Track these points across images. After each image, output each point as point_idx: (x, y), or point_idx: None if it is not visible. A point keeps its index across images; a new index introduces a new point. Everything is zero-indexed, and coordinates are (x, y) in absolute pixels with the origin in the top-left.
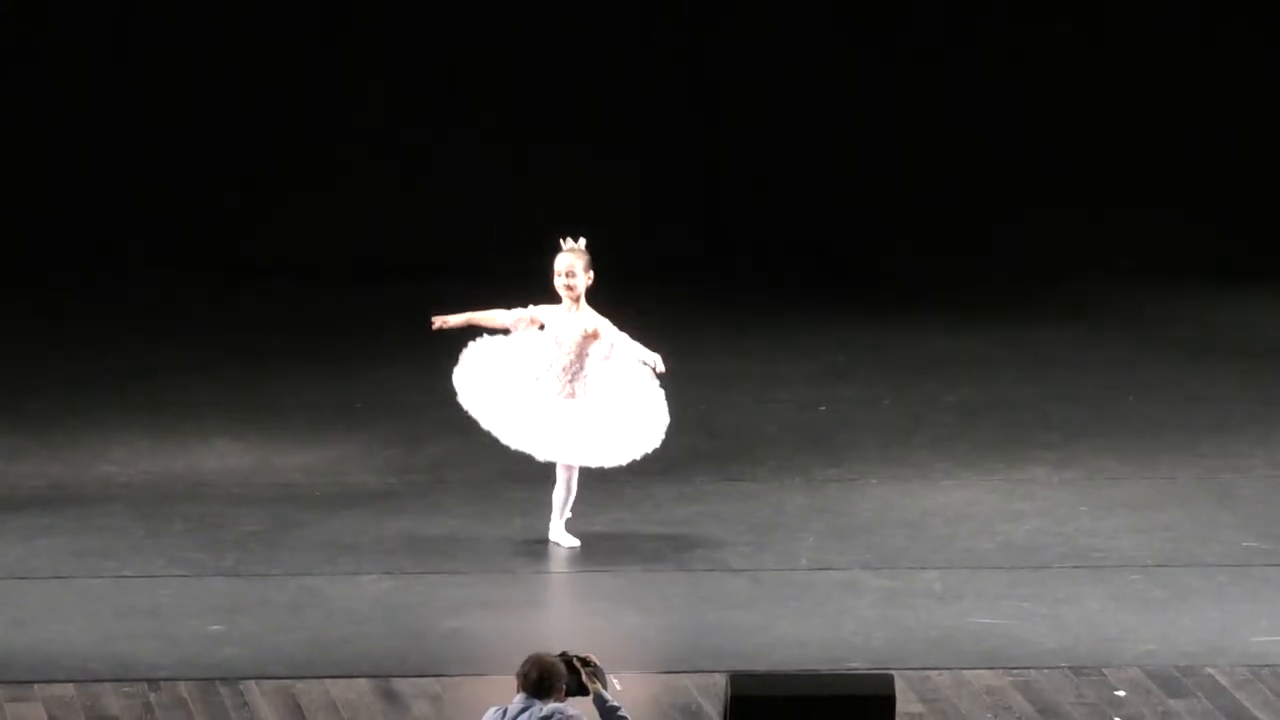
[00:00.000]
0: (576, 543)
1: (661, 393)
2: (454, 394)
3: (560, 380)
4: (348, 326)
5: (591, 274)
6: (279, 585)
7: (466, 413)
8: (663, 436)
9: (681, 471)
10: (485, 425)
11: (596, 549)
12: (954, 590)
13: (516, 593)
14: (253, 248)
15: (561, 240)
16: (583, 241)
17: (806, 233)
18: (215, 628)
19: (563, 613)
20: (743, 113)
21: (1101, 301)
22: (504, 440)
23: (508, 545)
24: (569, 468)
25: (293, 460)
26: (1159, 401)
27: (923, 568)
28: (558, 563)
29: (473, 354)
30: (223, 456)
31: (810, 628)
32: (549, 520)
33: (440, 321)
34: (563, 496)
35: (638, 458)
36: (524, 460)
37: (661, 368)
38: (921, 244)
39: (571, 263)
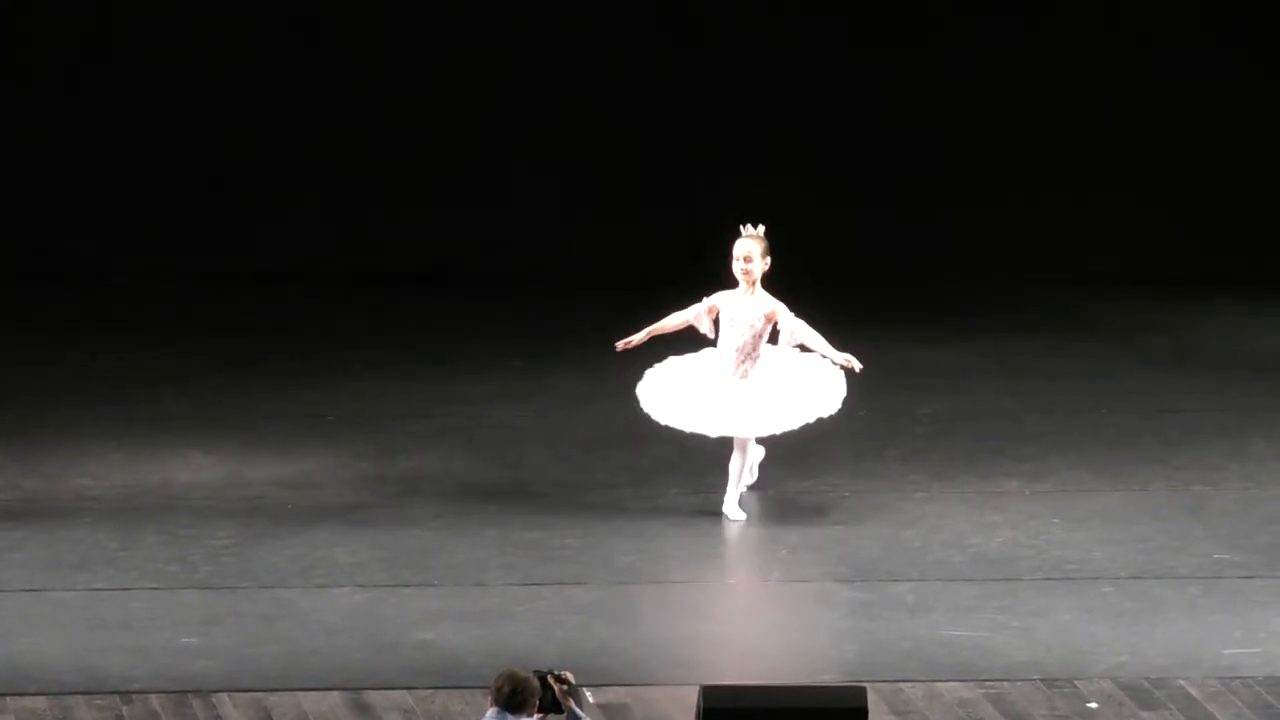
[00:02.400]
0: (744, 516)
1: (837, 372)
2: (428, 406)
3: (734, 360)
4: (320, 338)
5: (769, 260)
6: (251, 598)
7: (643, 412)
8: (839, 405)
9: (654, 484)
10: (662, 420)
11: (569, 562)
12: (926, 602)
13: (489, 605)
14: (226, 259)
15: (741, 227)
16: (761, 229)
17: (783, 242)
18: (188, 640)
19: (535, 625)
20: (721, 117)
21: (1075, 313)
22: (679, 427)
23: (480, 558)
24: (743, 441)
25: (265, 473)
26: (1132, 413)
27: (895, 580)
28: (531, 575)
29: (654, 372)
30: (195, 469)
31: (783, 640)
32: (723, 492)
33: (624, 344)
34: (738, 468)
35: (810, 421)
36: (495, 473)
37: (858, 366)
38: (896, 254)
39: (750, 248)
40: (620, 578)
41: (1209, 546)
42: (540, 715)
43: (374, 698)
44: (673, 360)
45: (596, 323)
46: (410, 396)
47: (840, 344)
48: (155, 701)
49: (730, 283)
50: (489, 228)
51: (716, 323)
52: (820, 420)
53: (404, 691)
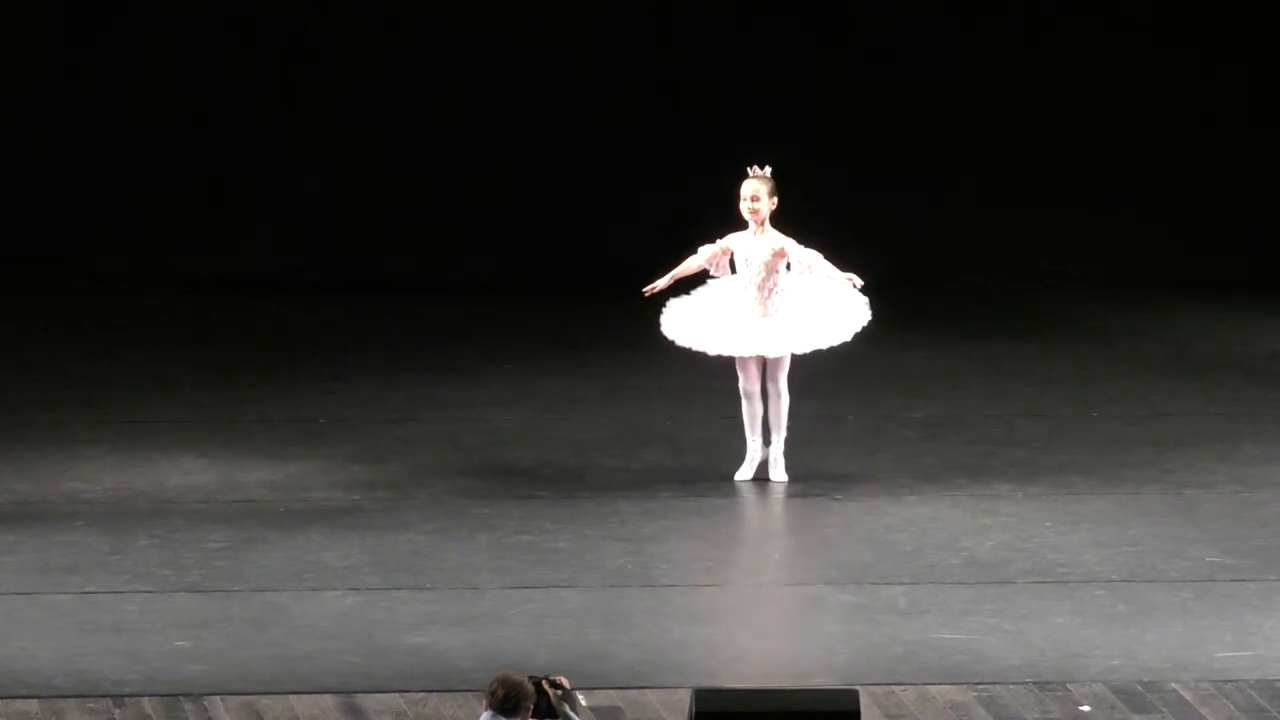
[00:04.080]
0: (785, 478)
1: (858, 297)
2: (399, 411)
3: (757, 299)
4: (311, 342)
5: (775, 199)
6: (243, 601)
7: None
8: (866, 319)
9: (647, 487)
10: (693, 345)
11: (561, 565)
12: (919, 605)
13: (481, 609)
14: (218, 262)
15: (748, 169)
16: (769, 169)
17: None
18: (180, 644)
19: (528, 629)
20: (710, 120)
21: (1066, 316)
22: (711, 350)
23: (473, 561)
24: (777, 396)
25: (257, 476)
26: (1124, 416)
27: (887, 583)
28: (523, 578)
29: (673, 308)
30: (187, 473)
31: (775, 643)
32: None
33: (650, 290)
34: (777, 419)
35: (841, 340)
36: (486, 476)
37: (859, 282)
38: (884, 257)
39: (756, 188)
40: (612, 581)
41: (1201, 550)
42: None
43: (366, 701)
44: (695, 292)
45: (589, 326)
46: (401, 400)
47: (831, 346)
48: (147, 705)
49: (741, 224)
50: (480, 230)
51: (733, 264)
52: (846, 342)
53: (396, 695)
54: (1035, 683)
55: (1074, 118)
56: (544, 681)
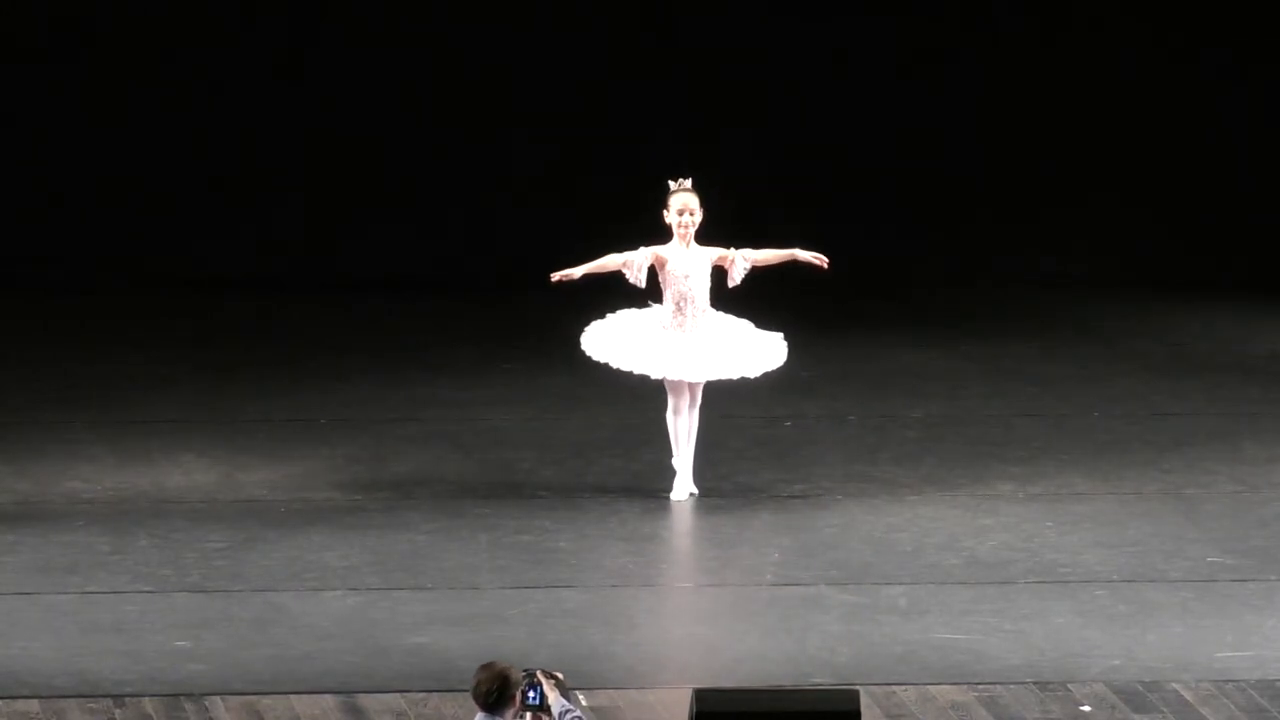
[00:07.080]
0: (694, 491)
1: (778, 337)
2: (396, 413)
3: (684, 313)
4: (312, 342)
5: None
6: (244, 601)
7: (591, 359)
8: (783, 360)
9: (647, 487)
10: (618, 365)
11: (561, 565)
12: (919, 606)
13: (481, 608)
14: (218, 262)
15: (671, 182)
16: (689, 181)
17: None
18: (180, 644)
19: (527, 628)
20: (714, 120)
21: (1066, 316)
22: (642, 371)
23: (472, 561)
24: (693, 411)
25: (258, 476)
26: (1124, 417)
27: (888, 583)
28: (523, 578)
29: (595, 327)
30: (188, 472)
31: (776, 643)
32: (672, 458)
33: (561, 276)
34: (686, 432)
35: (764, 372)
36: (487, 476)
37: (826, 261)
38: (884, 258)
39: (687, 201)
40: (612, 581)
41: (1201, 550)
42: (532, 717)
43: (366, 701)
44: (620, 313)
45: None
46: (401, 400)
47: (832, 347)
48: (148, 705)
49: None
50: (479, 230)
51: (652, 273)
52: (764, 374)
53: (397, 695)
54: (1036, 683)
55: (1073, 118)
56: (539, 672)
